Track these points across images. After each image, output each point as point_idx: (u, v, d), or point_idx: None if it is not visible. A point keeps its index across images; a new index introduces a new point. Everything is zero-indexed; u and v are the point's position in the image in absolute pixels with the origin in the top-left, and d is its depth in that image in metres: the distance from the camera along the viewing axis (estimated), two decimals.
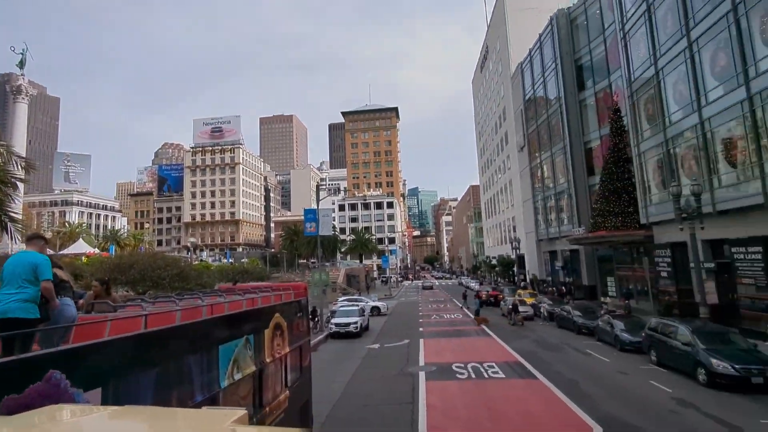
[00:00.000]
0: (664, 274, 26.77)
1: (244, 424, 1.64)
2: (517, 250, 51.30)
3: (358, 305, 30.95)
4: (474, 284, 69.33)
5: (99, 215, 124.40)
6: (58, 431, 1.72)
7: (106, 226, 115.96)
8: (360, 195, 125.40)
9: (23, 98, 58.98)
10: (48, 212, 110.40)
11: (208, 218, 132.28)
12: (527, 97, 52.58)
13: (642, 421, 11.01)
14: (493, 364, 17.31)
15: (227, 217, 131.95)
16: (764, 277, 19.03)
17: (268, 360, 7.22)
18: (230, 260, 74.47)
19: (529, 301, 35.81)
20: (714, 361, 13.42)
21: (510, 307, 30.24)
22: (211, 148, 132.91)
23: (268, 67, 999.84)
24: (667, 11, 25.11)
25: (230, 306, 6.46)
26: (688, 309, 23.20)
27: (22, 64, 57.56)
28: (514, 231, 60.32)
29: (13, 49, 57.60)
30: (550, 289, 45.25)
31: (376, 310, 37.14)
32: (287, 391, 8.04)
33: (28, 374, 3.16)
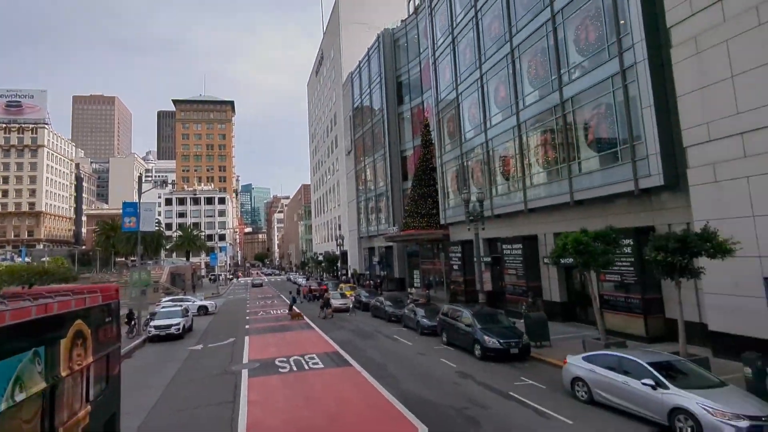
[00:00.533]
0: (455, 267, 30.55)
1: None
2: (341, 247, 52.80)
3: (182, 305, 27.63)
4: (302, 280, 69.10)
5: None
6: None
7: None
8: (190, 189, 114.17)
9: None
10: None
11: None
12: (355, 105, 54.56)
13: (431, 393, 12.22)
14: (314, 355, 17.43)
15: (24, 207, 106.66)
16: (522, 268, 23.18)
17: (64, 374, 6.12)
18: (26, 259, 60.02)
19: (349, 293, 36.97)
20: (486, 338, 15.55)
21: (322, 301, 30.54)
22: (5, 126, 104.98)
23: (85, 40, 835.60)
24: (467, 46, 28.70)
25: (13, 314, 5.23)
26: (472, 296, 26.85)
27: None
28: (340, 229, 62.05)
29: None
30: (367, 282, 47.63)
31: (203, 310, 34.07)
32: (89, 406, 6.95)
33: None
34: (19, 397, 4.93)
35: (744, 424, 7.91)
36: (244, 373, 15.33)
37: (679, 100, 14.54)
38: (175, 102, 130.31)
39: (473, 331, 16.30)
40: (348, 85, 57.53)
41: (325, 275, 69.37)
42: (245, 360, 17.47)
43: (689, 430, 8.51)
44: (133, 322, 24.23)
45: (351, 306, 32.89)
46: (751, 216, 12.45)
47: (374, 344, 19.56)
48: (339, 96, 63.81)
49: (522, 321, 17.99)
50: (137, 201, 26.70)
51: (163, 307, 27.88)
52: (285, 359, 16.97)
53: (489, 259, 25.43)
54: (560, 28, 20.00)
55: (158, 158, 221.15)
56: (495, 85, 25.49)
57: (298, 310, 29.06)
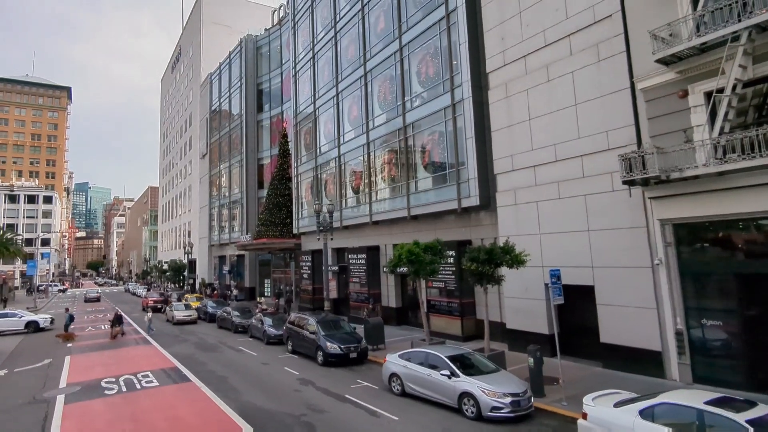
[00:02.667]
0: (305, 275, 30.27)
1: None
2: (190, 255, 48.11)
3: None
4: (141, 291, 60.83)
5: None
6: None
7: None
8: (5, 184, 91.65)
9: None
10: None
11: None
12: (213, 108, 50.98)
13: (271, 402, 11.79)
14: (148, 373, 15.52)
15: None
16: (365, 276, 24.05)
17: None
18: None
19: (195, 304, 33.83)
20: (328, 344, 15.61)
21: (110, 318, 25.94)
22: None
23: None
24: (326, 64, 29.06)
25: None
26: (320, 303, 26.79)
27: None
28: (189, 236, 56.76)
29: None
30: (215, 292, 44.24)
31: (32, 325, 27.32)
32: None
33: None
34: None
35: (508, 400, 9.79)
36: (59, 399, 12.87)
37: (493, 135, 16.82)
38: None
39: (317, 338, 16.25)
40: (206, 86, 53.43)
41: (169, 285, 62.38)
42: (63, 384, 14.68)
43: (472, 409, 10.06)
44: None
45: (196, 317, 30.11)
46: (538, 233, 14.90)
47: (217, 357, 18.25)
48: (196, 96, 58.81)
49: (363, 327, 18.48)
50: None
51: None
52: (113, 379, 14.77)
53: (336, 268, 25.76)
54: (406, 60, 21.56)
55: None
56: (349, 104, 26.23)
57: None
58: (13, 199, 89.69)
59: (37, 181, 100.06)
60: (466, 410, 10.06)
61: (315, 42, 30.34)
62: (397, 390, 11.93)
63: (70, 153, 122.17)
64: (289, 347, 18.23)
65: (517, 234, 15.24)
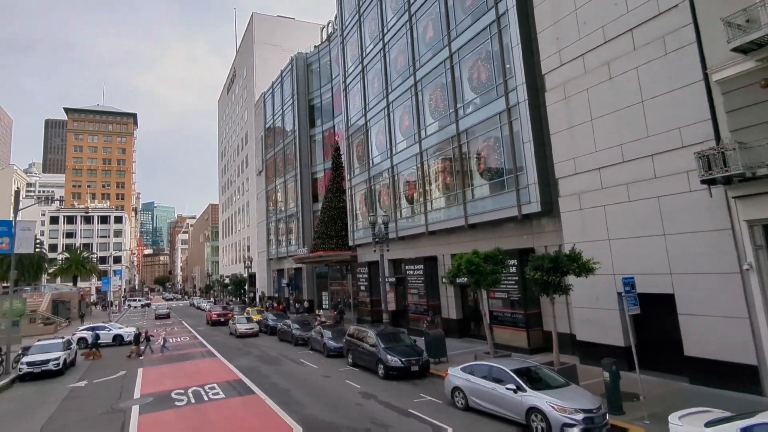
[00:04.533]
0: (362, 288, 30.87)
1: None
2: (249, 269, 50.64)
3: (63, 338, 23.92)
4: (206, 305, 64.65)
5: None
6: None
7: None
8: (81, 206, 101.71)
9: None
10: None
11: None
12: (267, 126, 53.63)
13: (334, 416, 12.08)
14: (215, 385, 16.38)
15: None
16: (424, 287, 24.16)
17: None
18: None
19: (256, 317, 35.44)
20: (389, 357, 15.85)
21: (133, 336, 26.56)
22: None
23: None
24: (375, 76, 29.86)
25: None
26: (378, 316, 27.23)
27: None
28: (249, 250, 59.66)
29: None
30: (275, 305, 46.10)
31: (118, 339, 29.79)
32: None
33: None
34: None
35: (580, 416, 9.38)
36: (135, 409, 13.88)
37: (552, 138, 16.51)
38: (67, 110, 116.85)
39: (377, 351, 16.50)
40: (260, 105, 56.44)
41: (231, 299, 65.74)
42: (137, 395, 15.82)
43: (541, 425, 9.78)
44: (0, 359, 20.65)
45: (258, 330, 31.57)
46: (606, 239, 14.38)
47: (279, 369, 18.94)
48: (251, 115, 62.25)
49: (423, 339, 18.59)
50: (12, 219, 23.19)
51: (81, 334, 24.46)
52: (182, 391, 15.72)
53: (393, 279, 26.09)
54: (456, 67, 21.74)
55: (44, 171, 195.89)
56: (400, 114, 26.75)
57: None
58: (88, 220, 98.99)
59: (108, 202, 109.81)
60: (535, 427, 9.83)
61: (364, 55, 31.30)
62: (461, 404, 11.91)
63: (137, 175, 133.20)
64: (350, 360, 18.61)
65: (583, 240, 14.80)
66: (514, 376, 10.71)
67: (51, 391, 17.60)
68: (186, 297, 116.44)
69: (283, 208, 47.49)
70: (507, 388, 10.58)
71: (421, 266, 24.25)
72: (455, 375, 12.31)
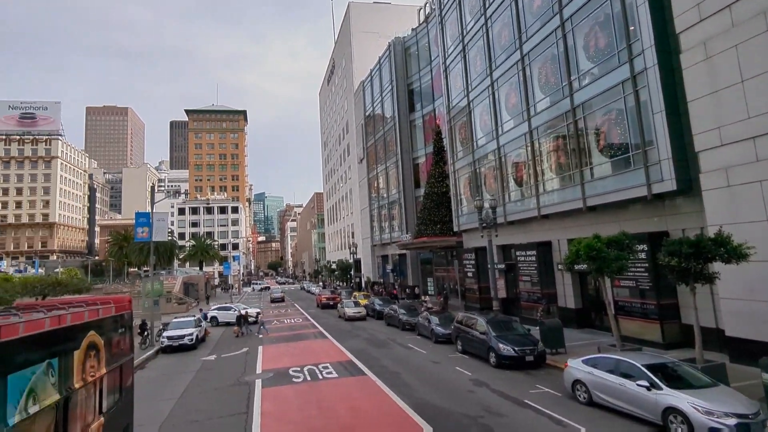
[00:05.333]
0: (469, 274, 30.68)
1: None
2: (355, 255, 53.22)
3: (195, 316, 27.94)
4: (315, 289, 69.55)
5: None
6: None
7: None
8: (203, 198, 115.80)
9: None
10: None
11: (11, 220, 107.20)
12: (367, 113, 55.24)
13: (446, 401, 12.34)
14: (328, 364, 17.56)
15: (38, 219, 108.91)
16: (537, 274, 23.26)
17: (77, 385, 6.13)
18: (39, 270, 61.18)
19: (363, 302, 37.22)
20: (501, 345, 15.73)
21: (253, 316, 29.52)
22: (19, 137, 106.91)
23: (97, 52, 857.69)
24: (477, 53, 29.08)
25: (27, 326, 5.27)
26: (487, 303, 26.95)
27: None
28: (353, 237, 62.51)
29: None
30: (381, 290, 47.91)
31: (243, 319, 33.18)
32: (102, 418, 6.95)
33: None
34: (33, 409, 4.97)
35: (732, 421, 8.33)
36: (258, 383, 15.48)
37: (690, 105, 14.68)
38: (187, 112, 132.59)
39: (488, 339, 16.45)
40: (360, 94, 58.30)
41: (338, 283, 69.79)
42: (258, 370, 17.63)
43: (682, 427, 8.89)
44: (146, 333, 24.51)
45: (365, 314, 33.16)
46: (765, 220, 12.50)
47: (388, 353, 19.69)
48: (351, 104, 64.63)
49: (537, 328, 18.07)
50: (150, 211, 27.22)
51: (214, 312, 28.71)
52: (299, 369, 17.12)
53: (503, 266, 25.54)
54: (569, 36, 20.26)
55: (171, 168, 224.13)
56: (506, 92, 25.78)
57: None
58: (209, 210, 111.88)
59: (225, 194, 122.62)
60: (674, 429, 9.02)
61: (464, 33, 30.61)
62: (583, 398, 11.42)
63: (249, 167, 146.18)
64: (459, 347, 18.76)
65: (732, 222, 13.03)
66: (647, 372, 9.96)
67: (187, 362, 20.45)
68: (297, 281, 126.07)
69: (385, 195, 48.87)
70: (639, 385, 9.89)
71: (534, 252, 23.38)
72: (576, 367, 11.84)
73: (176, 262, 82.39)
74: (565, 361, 12.78)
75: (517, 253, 24.87)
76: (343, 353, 19.99)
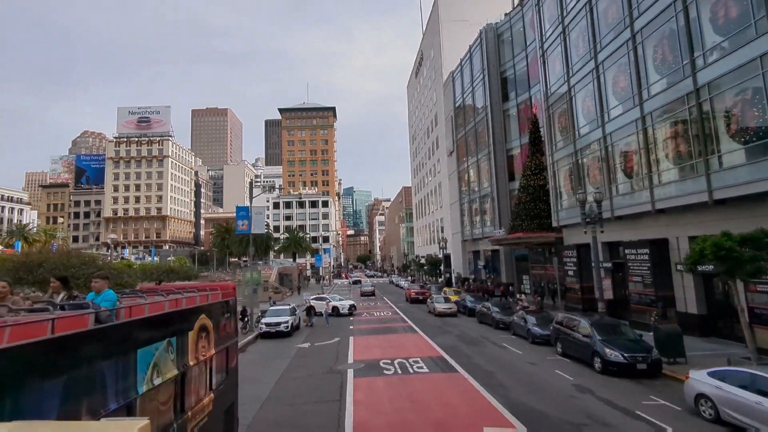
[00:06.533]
0: (570, 272, 29.11)
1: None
2: (444, 250, 53.03)
3: (290, 305, 30.14)
4: (404, 283, 70.60)
5: (3, 208, 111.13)
6: None
7: (11, 220, 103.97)
8: (295, 193, 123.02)
9: None
10: None
11: (131, 213, 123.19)
12: (457, 105, 54.55)
13: (545, 405, 11.93)
14: (418, 359, 17.79)
15: (153, 212, 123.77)
16: (650, 275, 21.39)
17: (191, 363, 6.94)
18: (155, 258, 69.74)
19: (454, 298, 37.10)
20: (607, 350, 14.84)
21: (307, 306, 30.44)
22: (137, 139, 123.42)
23: (198, 57, 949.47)
24: (579, 35, 27.32)
25: (151, 308, 6.10)
26: (590, 304, 25.44)
27: None
28: (442, 231, 62.33)
29: None
30: (472, 286, 47.30)
31: (336, 310, 34.24)
32: (212, 394, 7.76)
33: None
34: (157, 381, 5.65)
35: None
36: (350, 373, 16.11)
37: None
38: (280, 111, 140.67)
39: (592, 343, 15.64)
40: (449, 85, 57.75)
41: (427, 278, 70.14)
42: (350, 360, 18.34)
43: None
44: (246, 319, 26.66)
45: (456, 311, 33.04)
46: None
47: (481, 351, 19.48)
48: (440, 96, 64.26)
49: (650, 334, 16.74)
50: (249, 205, 29.53)
51: (312, 300, 30.83)
52: (389, 361, 17.52)
53: (609, 264, 23.85)
54: (692, 7, 18.22)
55: (266, 164, 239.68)
56: (613, 74, 23.94)
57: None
58: (301, 205, 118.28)
59: (316, 189, 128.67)
60: None
61: (564, 13, 28.90)
62: (709, 415, 10.38)
63: (338, 162, 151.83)
64: (559, 349, 18.05)
65: None
66: None
67: (283, 348, 21.92)
68: (385, 275, 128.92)
69: (476, 188, 48.00)
70: None
71: (646, 250, 21.50)
72: (699, 380, 10.82)
73: (272, 254, 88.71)
74: (686, 372, 11.73)
75: (627, 251, 23.05)
76: (433, 348, 20.13)
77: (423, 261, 70.35)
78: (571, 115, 28.32)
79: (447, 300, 34.94)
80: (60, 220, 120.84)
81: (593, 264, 20.63)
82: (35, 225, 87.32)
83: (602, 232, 20.85)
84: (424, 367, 16.56)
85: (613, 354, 14.65)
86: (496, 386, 13.76)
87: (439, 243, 54.94)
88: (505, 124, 43.40)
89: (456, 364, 16.88)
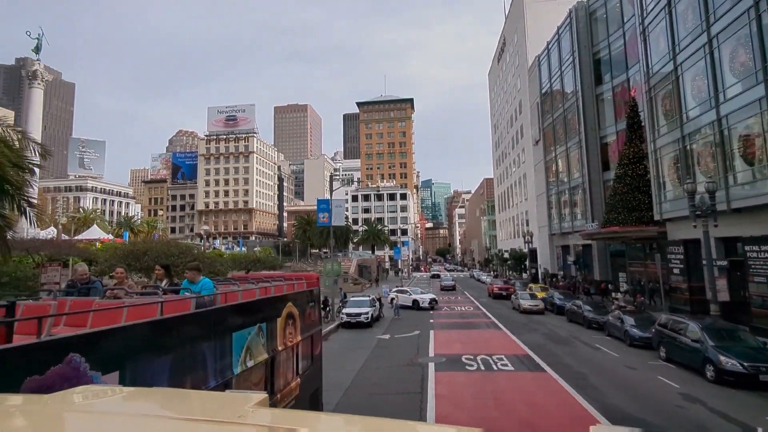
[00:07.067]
0: (676, 270, 26.64)
1: (265, 407, 1.63)
2: (530, 244, 51.25)
3: (370, 296, 31.00)
4: (485, 277, 69.30)
5: (113, 201, 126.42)
6: (87, 409, 1.69)
7: (119, 213, 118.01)
8: (373, 186, 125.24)
9: (39, 83, 56.91)
10: (63, 198, 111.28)
11: (221, 206, 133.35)
12: (544, 90, 52.11)
13: (647, 414, 11.17)
14: (503, 356, 17.44)
15: (240, 205, 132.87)
16: None
17: (280, 348, 7.36)
18: (243, 249, 74.97)
19: (540, 294, 35.91)
20: (723, 358, 13.53)
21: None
22: (225, 137, 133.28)
23: (279, 55, 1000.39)
24: (688, 6, 24.74)
25: (244, 294, 6.63)
26: (699, 306, 23.16)
27: (38, 49, 55.75)
28: (527, 225, 60.15)
29: (28, 33, 56.27)
30: (560, 283, 45.24)
31: (416, 303, 34.47)
32: (298, 379, 8.17)
33: (49, 357, 3.25)
34: (250, 363, 6.07)
35: None
36: (431, 366, 16.14)
37: None
38: (358, 104, 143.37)
39: (703, 349, 14.39)
40: (534, 70, 55.26)
41: (511, 274, 68.20)
42: (431, 354, 18.41)
43: None
44: (327, 309, 27.69)
45: (543, 308, 31.99)
46: None
47: (571, 351, 18.73)
48: (524, 82, 61.75)
49: None
50: (329, 198, 30.76)
51: (394, 293, 31.76)
52: (471, 357, 17.32)
53: (725, 263, 21.49)
54: None
55: (345, 158, 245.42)
56: (730, 49, 21.37)
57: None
58: (379, 197, 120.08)
59: (394, 181, 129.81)
60: None
61: None
62: None
63: (416, 155, 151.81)
64: (662, 354, 16.80)
65: None
66: None
67: (364, 338, 22.51)
68: (466, 269, 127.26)
69: (565, 179, 45.59)
70: None
71: None
72: None
73: (351, 246, 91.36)
74: None
75: (747, 247, 20.53)
76: (518, 346, 19.67)
77: (506, 255, 68.58)
78: (678, 96, 25.79)
79: (533, 296, 34.05)
80: (160, 212, 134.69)
81: (704, 261, 18.82)
82: (139, 217, 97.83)
83: (716, 226, 18.89)
84: (509, 364, 16.24)
85: (730, 362, 13.34)
86: (588, 389, 13.12)
87: (523, 237, 53.26)
88: (598, 109, 40.62)
89: (544, 363, 16.35)
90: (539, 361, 16.66)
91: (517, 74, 67.08)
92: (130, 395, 2.09)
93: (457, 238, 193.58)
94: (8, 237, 8.78)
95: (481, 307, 35.64)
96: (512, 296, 37.03)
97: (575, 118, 42.54)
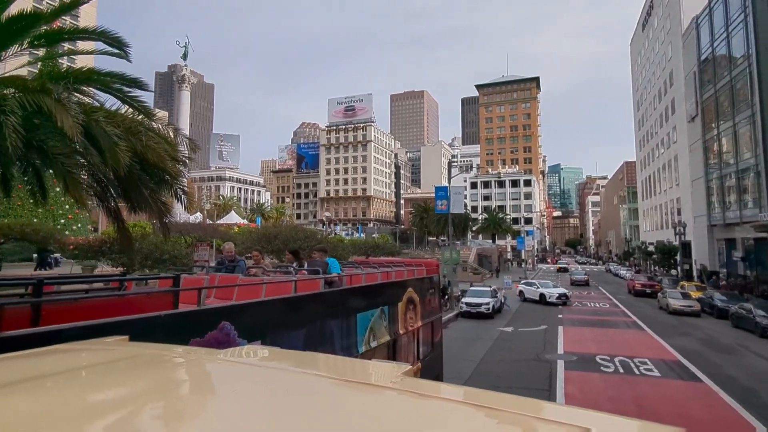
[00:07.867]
0: None
1: (412, 377, 1.63)
2: (682, 236, 45.63)
3: (491, 287, 30.42)
4: (625, 272, 63.39)
5: (246, 190, 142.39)
6: (260, 364, 1.85)
7: (252, 200, 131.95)
8: (494, 172, 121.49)
9: (186, 86, 64.41)
10: (206, 187, 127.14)
11: (341, 194, 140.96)
12: (703, 57, 45.77)
13: None
14: (646, 360, 16.11)
15: (359, 193, 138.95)
16: None
17: (401, 332, 7.65)
18: (362, 235, 78.56)
19: (695, 294, 32.12)
20: None
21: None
22: (344, 127, 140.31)
23: (394, 43, 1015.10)
24: None
25: (367, 278, 7.04)
26: None
27: (185, 56, 62.51)
28: (679, 214, 53.69)
29: (178, 43, 64.98)
30: (723, 282, 39.59)
31: (543, 297, 32.77)
32: (419, 364, 8.35)
33: (207, 322, 3.84)
34: (373, 344, 6.36)
35: None
36: (559, 363, 15.40)
37: None
38: (477, 87, 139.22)
39: None
40: (691, 33, 48.48)
41: (656, 269, 61.57)
42: (560, 351, 17.56)
43: None
44: (446, 297, 27.78)
45: (698, 309, 28.59)
46: None
47: (737, 362, 16.56)
48: (677, 49, 54.49)
49: None
50: (447, 186, 30.64)
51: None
52: (608, 358, 16.27)
53: None
54: None
55: (463, 144, 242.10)
56: None
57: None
58: (500, 184, 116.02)
59: (517, 167, 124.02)
60: None
61: None
62: None
63: (543, 138, 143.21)
64: None
65: None
66: None
67: (484, 329, 22.16)
68: (600, 262, 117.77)
69: (731, 161, 39.43)
70: None
71: None
72: None
73: (470, 234, 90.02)
74: None
75: None
76: (666, 350, 17.95)
77: (651, 248, 62.09)
78: None
79: (686, 296, 30.88)
80: (287, 200, 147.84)
81: None
82: (269, 204, 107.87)
83: None
84: (654, 370, 14.91)
85: None
86: (762, 408, 11.44)
87: (674, 228, 47.87)
88: None
89: (700, 372, 14.68)
90: (694, 370, 15.02)
91: (668, 41, 59.63)
92: (292, 356, 2.31)
93: (590, 228, 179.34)
94: (166, 221, 10.34)
95: (619, 304, 33.35)
96: (658, 294, 34.21)
97: (746, 88, 36.59)
